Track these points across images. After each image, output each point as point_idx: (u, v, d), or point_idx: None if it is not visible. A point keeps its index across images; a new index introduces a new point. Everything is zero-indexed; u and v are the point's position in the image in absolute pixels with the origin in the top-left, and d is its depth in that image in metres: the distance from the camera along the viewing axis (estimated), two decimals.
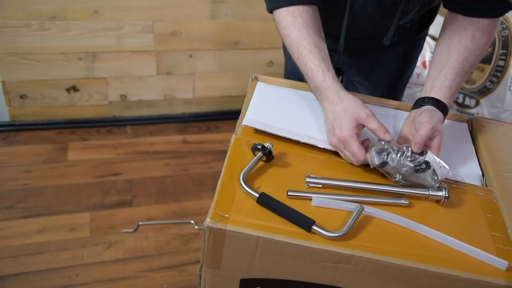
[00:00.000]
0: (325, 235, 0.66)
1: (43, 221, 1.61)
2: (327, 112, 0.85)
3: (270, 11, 0.95)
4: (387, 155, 0.78)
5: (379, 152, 0.78)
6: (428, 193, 0.76)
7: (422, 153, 0.79)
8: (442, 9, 1.04)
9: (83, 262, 1.49)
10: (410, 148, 0.79)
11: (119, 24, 1.92)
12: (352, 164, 0.82)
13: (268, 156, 0.77)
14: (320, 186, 0.76)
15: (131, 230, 1.62)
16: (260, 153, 0.76)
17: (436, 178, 0.77)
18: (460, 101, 2.20)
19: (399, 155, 0.78)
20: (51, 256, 1.49)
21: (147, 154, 1.99)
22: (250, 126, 0.85)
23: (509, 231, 0.73)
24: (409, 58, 1.21)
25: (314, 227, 0.66)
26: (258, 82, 1.00)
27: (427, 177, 0.77)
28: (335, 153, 0.84)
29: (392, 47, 1.06)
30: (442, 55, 0.91)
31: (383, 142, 0.80)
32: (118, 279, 1.45)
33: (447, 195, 0.75)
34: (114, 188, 1.78)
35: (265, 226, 0.67)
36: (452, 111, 1.02)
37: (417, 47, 1.20)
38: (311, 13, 0.91)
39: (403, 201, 0.74)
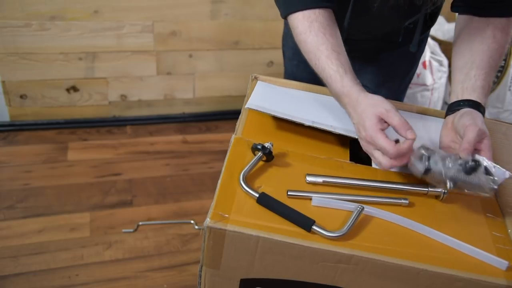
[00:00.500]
0: (325, 235, 0.66)
1: (43, 221, 1.61)
2: (352, 117, 0.82)
3: (285, 16, 0.92)
4: (428, 160, 0.72)
5: (420, 159, 0.73)
6: (427, 189, 0.76)
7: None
8: (446, 12, 1.04)
9: (83, 262, 1.49)
10: (456, 155, 0.73)
11: (119, 24, 1.92)
12: (387, 170, 0.77)
13: (268, 156, 0.77)
14: (321, 182, 0.76)
15: (131, 230, 1.62)
16: (260, 153, 0.76)
17: (492, 178, 0.69)
18: None
19: (444, 159, 0.72)
20: (51, 256, 1.49)
21: (147, 154, 1.99)
22: (253, 109, 0.85)
23: (509, 230, 0.73)
24: (413, 59, 1.20)
25: (314, 227, 0.66)
26: (258, 82, 1.00)
27: (481, 177, 0.70)
28: (335, 153, 0.84)
29: (396, 47, 1.06)
30: (465, 58, 0.89)
31: (422, 150, 0.74)
32: (118, 279, 1.45)
33: (445, 190, 0.75)
34: (114, 188, 1.78)
35: (265, 226, 0.67)
36: None
37: (420, 47, 1.19)
38: (327, 16, 0.88)
39: (403, 201, 0.74)
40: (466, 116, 0.79)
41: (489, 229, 0.73)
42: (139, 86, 2.11)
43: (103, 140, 2.03)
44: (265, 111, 0.86)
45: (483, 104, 0.84)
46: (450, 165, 0.71)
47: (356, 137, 0.83)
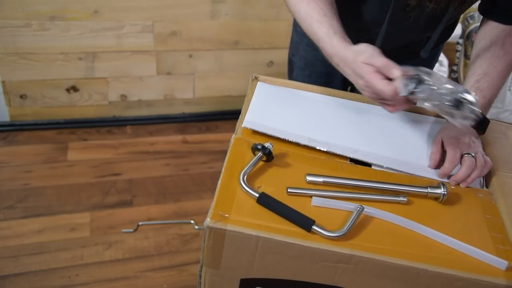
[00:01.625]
0: (325, 235, 0.66)
1: (43, 221, 1.61)
2: (348, 75, 0.83)
3: None
4: (418, 83, 0.72)
5: (409, 79, 0.72)
6: (427, 190, 0.76)
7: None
8: None
9: (83, 262, 1.49)
10: (449, 82, 0.72)
11: (119, 24, 1.92)
12: (393, 111, 0.80)
13: (268, 156, 0.77)
14: (321, 182, 0.76)
15: (131, 230, 1.62)
16: (260, 153, 0.76)
17: (474, 109, 0.70)
18: None
19: (432, 91, 0.71)
20: (51, 256, 1.49)
21: (147, 154, 1.99)
22: (250, 128, 0.85)
23: (508, 231, 0.73)
24: (429, 67, 1.16)
25: (314, 227, 0.66)
26: (258, 83, 1.00)
27: (464, 112, 0.71)
28: (335, 154, 0.84)
29: (415, 57, 1.06)
30: (473, 66, 0.90)
31: (415, 72, 0.73)
32: (118, 279, 1.45)
33: (445, 192, 0.75)
34: (114, 188, 1.78)
35: (265, 226, 0.67)
36: None
37: (437, 56, 1.18)
38: None
39: (402, 198, 0.74)
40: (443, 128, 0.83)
41: (489, 230, 0.73)
42: (139, 86, 2.11)
43: (103, 140, 2.04)
44: (262, 130, 0.85)
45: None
46: (435, 98, 0.71)
47: (351, 156, 0.83)
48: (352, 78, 0.82)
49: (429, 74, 0.73)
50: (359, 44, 0.82)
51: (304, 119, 0.90)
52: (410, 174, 0.82)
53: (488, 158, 0.82)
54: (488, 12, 0.92)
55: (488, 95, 0.87)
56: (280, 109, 0.92)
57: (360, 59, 0.78)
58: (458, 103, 0.71)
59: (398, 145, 0.88)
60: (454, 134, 0.84)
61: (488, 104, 0.88)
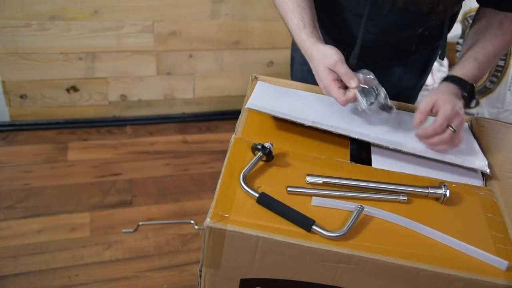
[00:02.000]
0: (325, 235, 0.66)
1: (43, 221, 1.61)
2: (312, 68, 0.88)
3: None
4: (376, 98, 0.85)
5: (366, 95, 0.85)
6: (427, 191, 0.76)
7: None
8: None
9: (83, 262, 1.49)
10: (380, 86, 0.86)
11: (119, 24, 1.92)
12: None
13: (268, 156, 0.77)
14: (321, 182, 0.76)
15: (131, 230, 1.62)
16: (260, 153, 0.76)
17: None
18: None
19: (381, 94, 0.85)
20: (51, 256, 1.49)
21: (147, 154, 1.99)
22: (254, 109, 0.86)
23: (509, 230, 0.73)
24: (425, 66, 1.17)
25: (314, 227, 0.66)
26: (258, 82, 1.00)
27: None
28: (335, 153, 0.84)
29: (410, 55, 1.06)
30: (469, 40, 0.93)
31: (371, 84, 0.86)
32: (118, 279, 1.45)
33: (446, 192, 0.75)
34: (114, 188, 1.78)
35: (265, 226, 0.67)
36: None
37: (434, 55, 1.17)
38: None
39: (402, 197, 0.74)
40: (435, 89, 0.87)
41: (489, 229, 0.73)
42: (139, 86, 2.11)
43: (103, 140, 2.04)
44: (265, 111, 0.86)
45: (466, 79, 0.88)
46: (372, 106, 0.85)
47: (357, 137, 0.84)
48: (314, 74, 0.88)
49: (378, 83, 0.87)
50: (327, 46, 0.86)
51: (306, 107, 0.92)
52: (417, 155, 0.84)
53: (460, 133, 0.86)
54: (484, 1, 0.95)
55: (482, 67, 0.90)
56: (282, 99, 0.94)
57: (324, 63, 0.84)
58: (388, 108, 0.87)
59: (403, 131, 0.89)
60: (449, 98, 0.85)
61: (480, 76, 0.92)
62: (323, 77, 0.84)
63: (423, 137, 0.85)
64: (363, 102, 0.84)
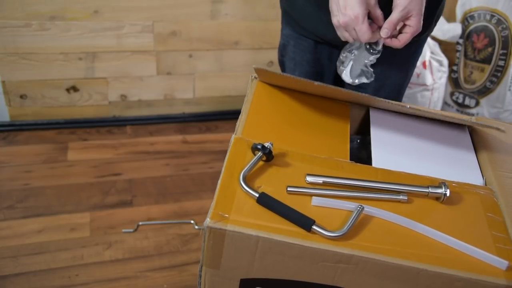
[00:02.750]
0: (325, 235, 0.66)
1: (43, 221, 1.61)
2: (332, 3, 0.87)
3: None
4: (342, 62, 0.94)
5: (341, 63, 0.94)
6: (427, 190, 0.76)
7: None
8: (446, 12, 1.03)
9: (83, 262, 1.49)
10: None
11: (119, 24, 1.92)
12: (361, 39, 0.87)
13: (268, 156, 0.77)
14: (321, 182, 0.76)
15: (131, 230, 1.62)
16: (260, 152, 0.76)
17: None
18: (460, 101, 2.20)
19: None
20: (51, 256, 1.49)
21: (147, 154, 1.99)
22: (262, 68, 0.88)
23: (509, 230, 0.73)
24: (411, 60, 1.17)
25: (314, 227, 0.66)
26: (258, 82, 1.00)
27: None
28: (335, 153, 0.84)
29: (394, 49, 1.05)
30: None
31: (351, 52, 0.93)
32: (118, 279, 1.45)
33: (446, 192, 0.75)
34: (114, 188, 1.78)
35: (265, 226, 0.67)
36: (452, 111, 1.01)
37: (419, 49, 1.16)
38: None
39: (402, 197, 0.74)
40: None
41: (489, 229, 0.73)
42: (139, 86, 2.11)
43: (103, 140, 2.04)
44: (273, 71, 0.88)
45: None
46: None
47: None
48: (337, 2, 0.85)
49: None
50: None
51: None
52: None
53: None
54: None
55: None
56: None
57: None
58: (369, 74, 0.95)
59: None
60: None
61: None
62: (359, 4, 0.81)
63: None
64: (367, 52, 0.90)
